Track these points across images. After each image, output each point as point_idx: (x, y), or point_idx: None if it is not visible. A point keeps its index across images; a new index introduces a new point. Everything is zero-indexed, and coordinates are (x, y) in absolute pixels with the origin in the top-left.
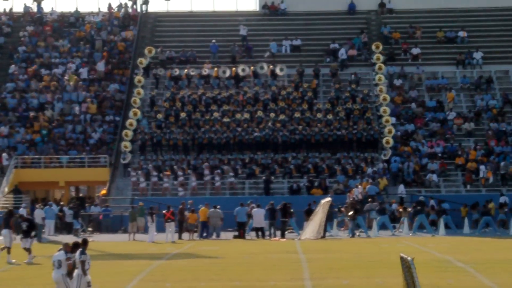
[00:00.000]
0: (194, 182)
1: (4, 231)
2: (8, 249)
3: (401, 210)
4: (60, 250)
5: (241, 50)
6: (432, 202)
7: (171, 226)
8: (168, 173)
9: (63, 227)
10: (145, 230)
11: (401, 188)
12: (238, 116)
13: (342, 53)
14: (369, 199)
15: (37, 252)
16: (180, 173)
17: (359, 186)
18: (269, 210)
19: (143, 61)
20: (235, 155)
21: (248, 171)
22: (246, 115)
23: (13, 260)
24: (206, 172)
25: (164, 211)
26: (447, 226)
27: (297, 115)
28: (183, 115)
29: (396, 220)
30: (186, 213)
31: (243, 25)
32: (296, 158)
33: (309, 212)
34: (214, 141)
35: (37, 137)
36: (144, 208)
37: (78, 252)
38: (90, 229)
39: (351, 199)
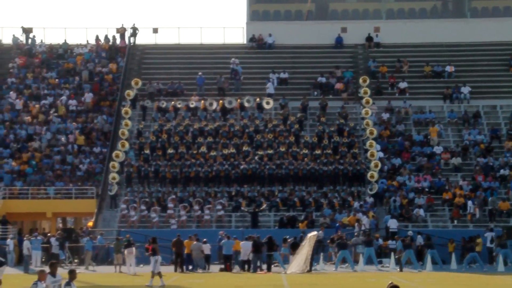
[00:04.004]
0: (184, 216)
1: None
2: (159, 273)
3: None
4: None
5: (232, 83)
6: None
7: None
8: (156, 208)
9: (49, 258)
10: None
11: (394, 223)
12: (225, 151)
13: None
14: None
15: (24, 283)
16: (171, 205)
17: (365, 217)
18: (254, 243)
19: (130, 93)
20: (221, 188)
21: (234, 203)
22: (233, 150)
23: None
24: (196, 205)
25: (146, 245)
26: (433, 262)
27: (283, 149)
28: (170, 150)
29: (382, 255)
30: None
31: (235, 58)
32: (283, 191)
33: (294, 246)
34: (201, 174)
35: (27, 168)
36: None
37: (64, 283)
38: (76, 260)
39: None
